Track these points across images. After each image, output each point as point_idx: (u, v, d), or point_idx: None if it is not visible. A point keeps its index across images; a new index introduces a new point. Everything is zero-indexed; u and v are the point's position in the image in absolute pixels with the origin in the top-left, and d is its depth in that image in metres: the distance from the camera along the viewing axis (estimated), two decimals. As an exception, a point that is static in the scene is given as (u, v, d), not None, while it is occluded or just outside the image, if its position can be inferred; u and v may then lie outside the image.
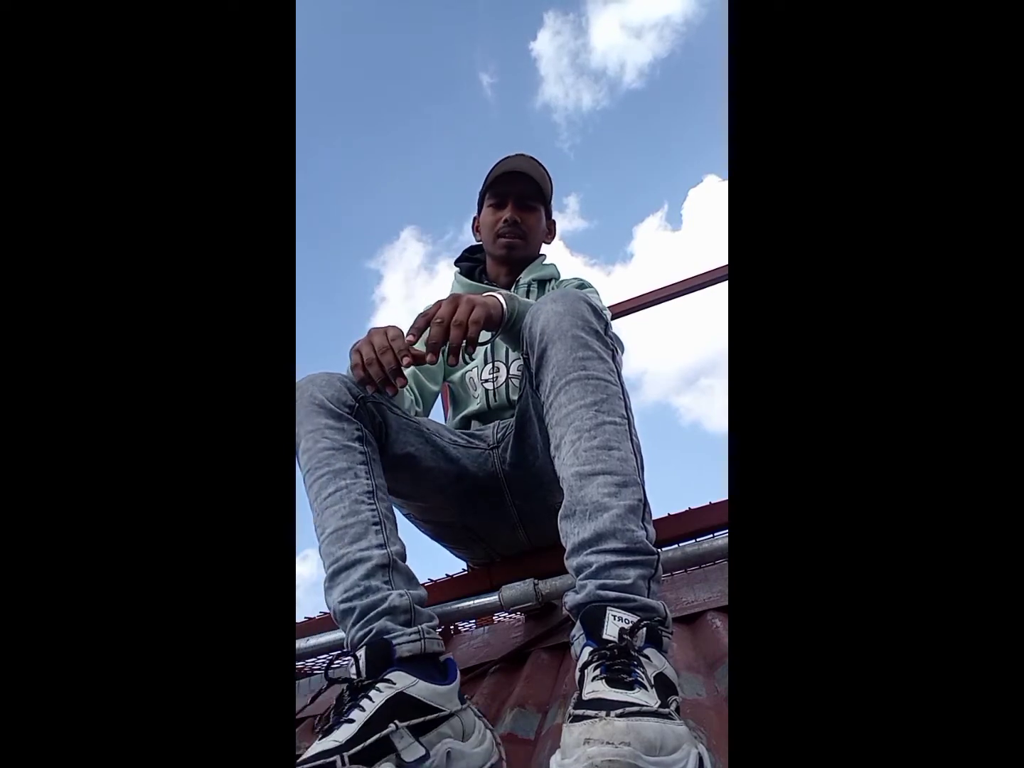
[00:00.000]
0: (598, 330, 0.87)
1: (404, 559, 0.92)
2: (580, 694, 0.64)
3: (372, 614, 0.82)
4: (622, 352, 0.99)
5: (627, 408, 0.84)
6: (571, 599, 0.76)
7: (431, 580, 1.56)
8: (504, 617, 1.56)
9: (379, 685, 0.73)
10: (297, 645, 1.48)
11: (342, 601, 0.85)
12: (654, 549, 0.77)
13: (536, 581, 1.13)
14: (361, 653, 0.79)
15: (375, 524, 0.91)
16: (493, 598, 1.16)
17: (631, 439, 0.82)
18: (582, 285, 1.40)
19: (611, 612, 0.70)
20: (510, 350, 1.30)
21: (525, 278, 1.43)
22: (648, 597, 0.74)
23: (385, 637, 0.81)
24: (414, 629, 0.83)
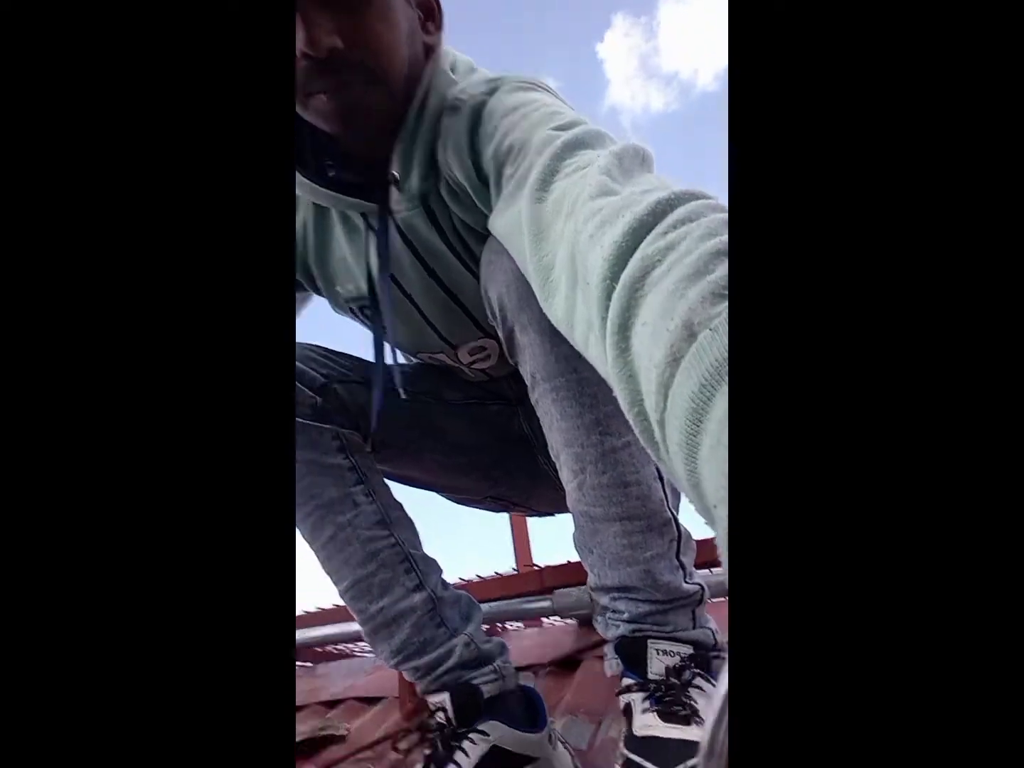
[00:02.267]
0: None
1: (446, 586, 0.79)
2: (631, 728, 0.60)
3: (440, 670, 0.73)
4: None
5: None
6: (602, 630, 0.66)
7: (479, 577, 1.54)
8: (554, 621, 1.55)
9: (473, 736, 0.69)
10: (322, 632, 1.49)
11: (399, 663, 0.75)
12: (696, 585, 0.63)
13: (591, 588, 1.11)
14: (445, 699, 0.72)
15: (402, 562, 0.75)
16: (545, 603, 1.15)
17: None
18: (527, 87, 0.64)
19: (653, 647, 0.61)
20: (481, 321, 0.78)
21: (417, 153, 0.66)
22: (695, 628, 0.63)
23: (467, 681, 0.73)
24: (490, 668, 0.75)
